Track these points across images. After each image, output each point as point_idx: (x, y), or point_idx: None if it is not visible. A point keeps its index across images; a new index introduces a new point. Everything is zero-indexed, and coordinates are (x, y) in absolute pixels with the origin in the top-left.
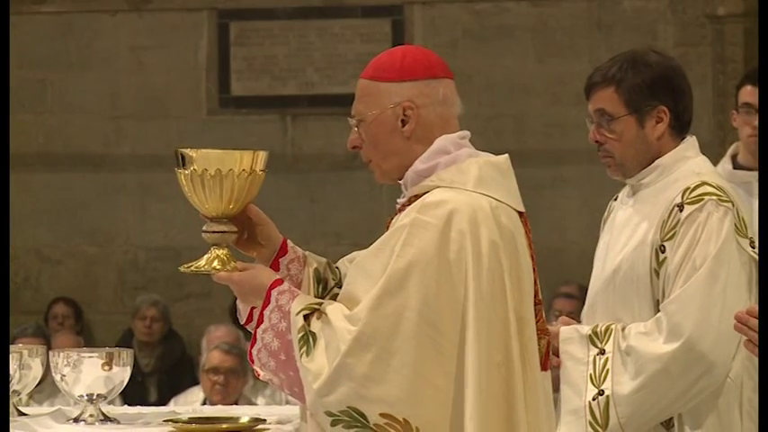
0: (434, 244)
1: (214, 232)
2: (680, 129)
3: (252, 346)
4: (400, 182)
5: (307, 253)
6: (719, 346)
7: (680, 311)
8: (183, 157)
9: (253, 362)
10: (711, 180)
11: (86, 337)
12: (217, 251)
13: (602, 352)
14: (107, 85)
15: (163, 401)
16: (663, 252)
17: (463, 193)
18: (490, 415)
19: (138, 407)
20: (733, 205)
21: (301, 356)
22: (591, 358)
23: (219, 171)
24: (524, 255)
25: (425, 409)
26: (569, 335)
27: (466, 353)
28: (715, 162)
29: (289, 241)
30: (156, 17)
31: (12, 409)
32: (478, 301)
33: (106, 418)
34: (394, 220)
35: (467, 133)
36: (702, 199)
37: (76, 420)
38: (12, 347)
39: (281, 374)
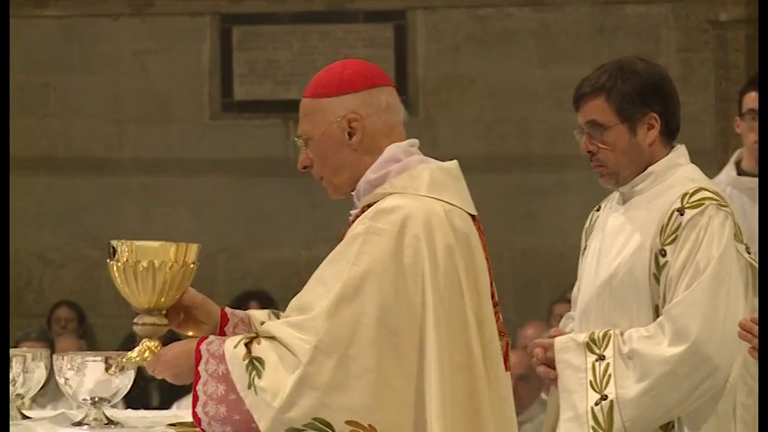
0: (390, 250)
1: (145, 325)
2: (670, 134)
3: (194, 407)
4: (352, 193)
5: (248, 311)
6: (724, 349)
7: (685, 314)
8: (114, 249)
9: (200, 423)
10: (707, 186)
11: (89, 341)
12: (148, 343)
13: (602, 358)
14: (110, 88)
15: (165, 405)
16: (663, 256)
17: (416, 198)
18: (455, 416)
19: (142, 411)
20: (730, 210)
21: (253, 380)
22: (590, 365)
23: (152, 263)
24: (480, 257)
25: (389, 413)
26: (565, 344)
27: (426, 355)
28: (718, 168)
29: (227, 308)
30: (158, 21)
31: (15, 412)
32: (437, 304)
33: (109, 422)
34: (348, 232)
35: (415, 141)
36: (703, 203)
37: (80, 424)
38: (15, 351)
39: (236, 416)
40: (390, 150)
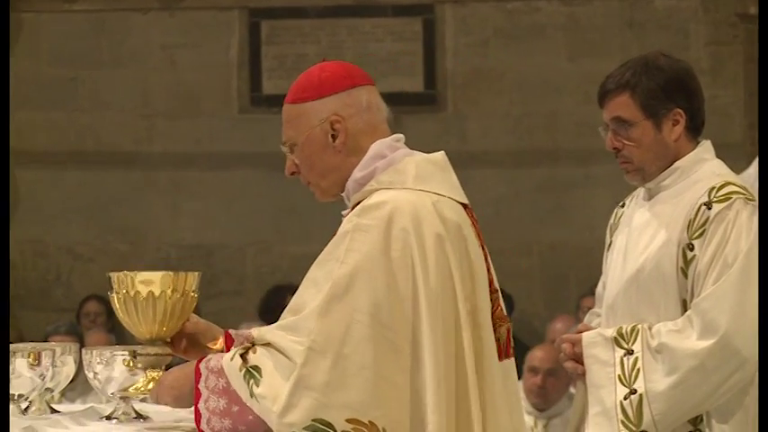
0: (378, 246)
1: (148, 355)
2: (695, 130)
3: (198, 424)
4: (342, 194)
5: (252, 329)
6: (752, 342)
7: (714, 308)
8: (115, 281)
9: None
10: (734, 180)
11: (118, 335)
12: (152, 374)
13: (630, 352)
14: (139, 83)
15: None
16: (691, 250)
17: (403, 191)
18: (451, 407)
19: None
20: (757, 204)
21: (251, 389)
22: (618, 359)
23: (152, 294)
24: (473, 245)
25: (389, 408)
26: (593, 339)
27: (420, 348)
28: (747, 162)
29: (230, 330)
30: (187, 16)
31: (44, 406)
32: (429, 296)
33: (138, 416)
34: (338, 231)
35: (401, 136)
36: (730, 197)
37: (109, 418)
38: (44, 345)
39: (241, 426)
40: (375, 147)
